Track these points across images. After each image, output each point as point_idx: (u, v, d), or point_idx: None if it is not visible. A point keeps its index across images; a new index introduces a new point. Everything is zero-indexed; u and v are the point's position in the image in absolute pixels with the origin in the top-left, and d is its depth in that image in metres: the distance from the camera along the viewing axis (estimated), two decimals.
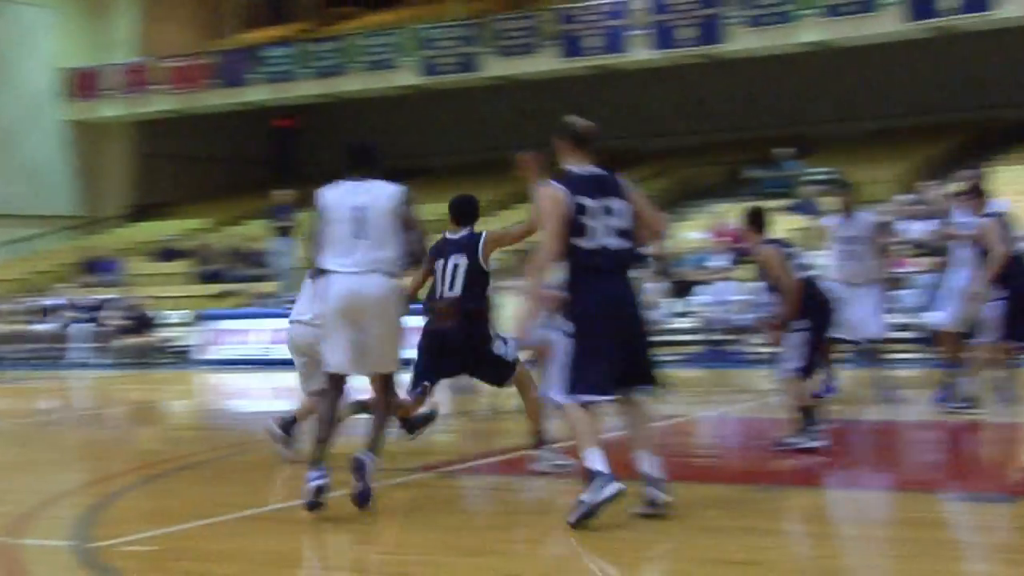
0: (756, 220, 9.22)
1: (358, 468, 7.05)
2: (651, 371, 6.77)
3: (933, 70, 28.51)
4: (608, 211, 6.60)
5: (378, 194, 7.46)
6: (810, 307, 8.95)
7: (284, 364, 20.85)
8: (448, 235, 8.55)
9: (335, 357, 7.28)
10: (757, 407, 13.25)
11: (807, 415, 8.89)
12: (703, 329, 19.29)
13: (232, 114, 33.10)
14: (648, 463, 6.63)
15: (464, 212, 8.72)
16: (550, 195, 6.69)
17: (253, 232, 29.18)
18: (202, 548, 6.40)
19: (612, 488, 6.33)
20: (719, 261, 21.10)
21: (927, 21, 23.99)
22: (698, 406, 11.47)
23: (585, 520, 6.34)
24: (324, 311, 7.32)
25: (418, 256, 7.49)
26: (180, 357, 23.92)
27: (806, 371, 8.98)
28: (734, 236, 22.01)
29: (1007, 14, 23.48)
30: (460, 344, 8.14)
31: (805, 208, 24.10)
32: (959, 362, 10.80)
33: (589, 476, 6.39)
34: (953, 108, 28.45)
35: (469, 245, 8.36)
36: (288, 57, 31.10)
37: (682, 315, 20.10)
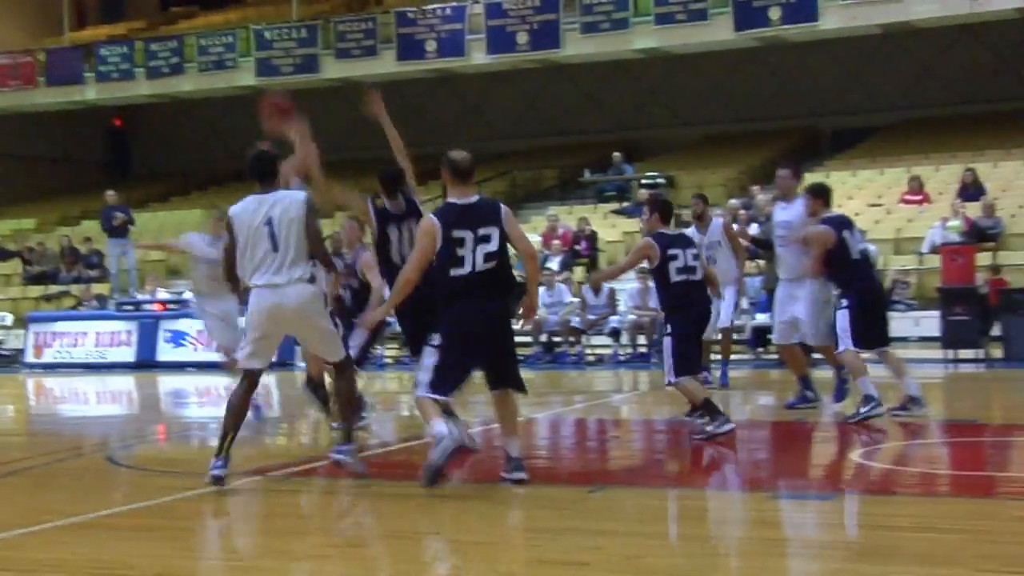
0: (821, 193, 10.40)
1: (339, 465, 7.87)
2: (514, 377, 7.59)
3: (761, 78, 29.29)
4: (483, 239, 7.28)
5: (287, 204, 7.72)
6: (686, 307, 9.39)
7: (117, 367, 20.50)
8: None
9: (256, 360, 7.78)
10: (591, 408, 13.42)
11: (706, 407, 9.21)
12: (537, 331, 19.40)
13: (66, 113, 32.15)
14: (512, 446, 7.58)
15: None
16: (425, 228, 7.46)
17: (86, 232, 28.40)
18: (26, 557, 6.19)
19: (451, 444, 7.17)
20: (554, 263, 21.28)
21: (754, 31, 24.64)
22: (532, 407, 11.54)
23: (434, 478, 7.19)
24: (252, 322, 7.73)
25: (326, 261, 7.99)
26: (8, 360, 23.13)
27: (686, 369, 9.29)
28: (566, 236, 22.26)
29: (828, 25, 24.25)
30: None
31: (638, 211, 24.52)
32: (839, 365, 10.72)
33: (436, 440, 7.18)
34: (780, 115, 29.28)
35: None
36: (123, 56, 30.32)
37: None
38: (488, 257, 7.32)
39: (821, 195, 10.41)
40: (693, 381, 9.33)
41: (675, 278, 9.34)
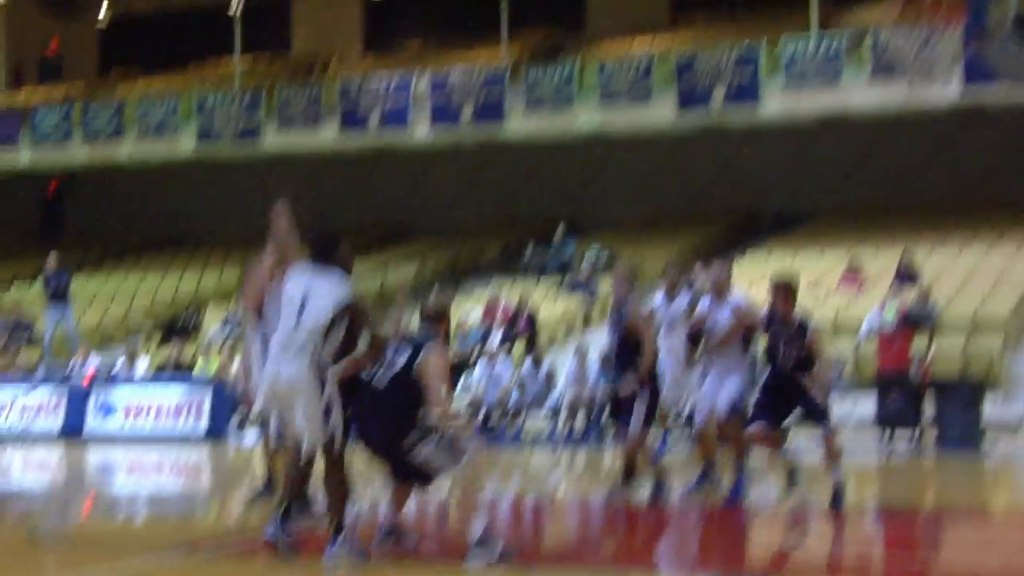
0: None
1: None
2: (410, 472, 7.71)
3: (704, 160, 29.81)
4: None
5: (321, 282, 7.80)
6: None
7: (43, 437, 20.18)
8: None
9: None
10: (527, 486, 13.46)
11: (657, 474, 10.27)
12: (475, 408, 19.45)
13: (1, 176, 31.99)
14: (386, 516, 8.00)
15: None
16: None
17: (20, 297, 28.13)
18: None
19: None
20: (495, 339, 21.40)
21: (697, 114, 25.14)
22: None
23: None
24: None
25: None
26: None
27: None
28: (507, 311, 22.41)
29: (770, 110, 24.82)
30: None
31: (580, 287, 24.79)
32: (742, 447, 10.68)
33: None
34: (722, 196, 29.76)
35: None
36: (60, 120, 30.28)
37: (456, 394, 20.24)
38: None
39: (790, 295, 10.43)
40: None
41: None
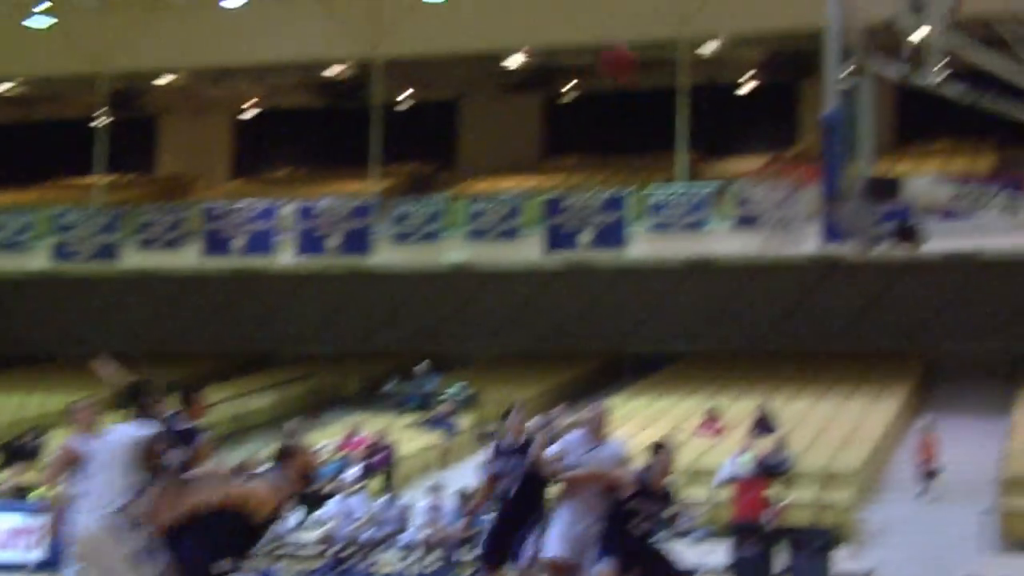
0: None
1: None
2: None
3: (569, 300, 30.24)
4: None
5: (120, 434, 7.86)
6: None
7: None
8: None
9: None
10: None
11: None
12: (328, 542, 19.12)
13: None
14: None
15: None
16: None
17: None
18: None
19: None
20: (351, 473, 21.19)
21: (563, 253, 25.59)
22: None
23: None
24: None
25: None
26: None
27: None
28: (365, 445, 22.20)
29: (635, 254, 25.38)
30: None
31: (440, 423, 24.73)
32: None
33: None
34: (586, 337, 30.15)
35: None
36: None
37: (309, 528, 19.91)
38: None
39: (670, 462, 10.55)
40: None
41: None
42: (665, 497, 10.17)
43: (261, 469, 8.22)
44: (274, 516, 7.60)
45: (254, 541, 7.56)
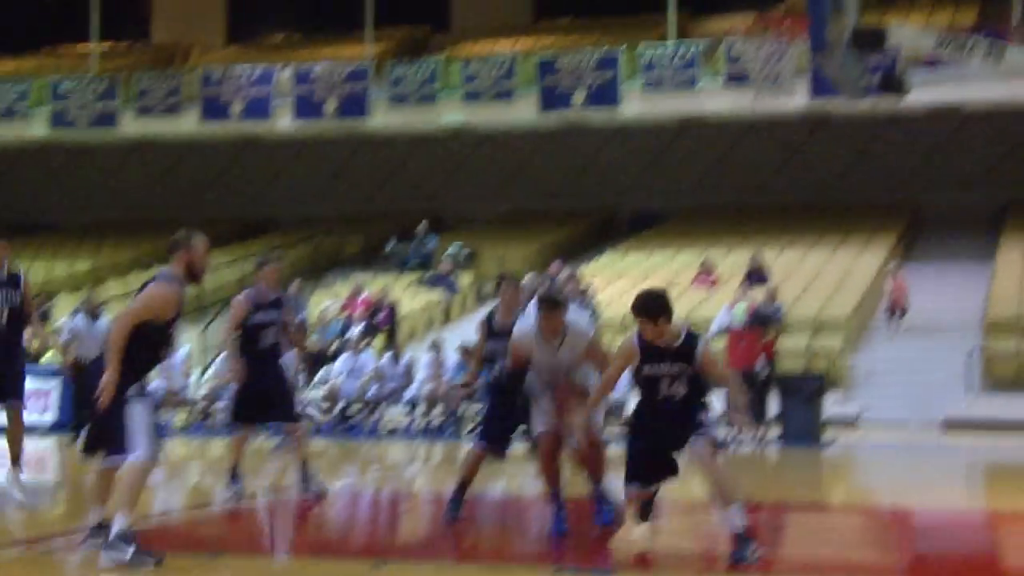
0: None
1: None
2: None
3: (564, 159, 30.25)
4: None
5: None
6: None
7: None
8: None
9: None
10: (384, 479, 13.59)
11: None
12: (334, 399, 19.45)
13: None
14: None
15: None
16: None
17: None
18: None
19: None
20: (355, 331, 21.45)
21: (558, 112, 25.53)
22: (326, 478, 11.65)
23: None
24: None
25: None
26: None
27: None
28: (367, 305, 22.47)
29: (629, 112, 25.33)
30: None
31: (441, 282, 24.96)
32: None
33: None
34: (581, 196, 30.24)
35: None
36: None
37: (316, 385, 20.24)
38: None
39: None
40: None
41: None
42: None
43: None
44: (174, 314, 7.48)
45: (162, 346, 7.53)
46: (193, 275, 7.58)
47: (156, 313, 7.36)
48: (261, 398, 10.27)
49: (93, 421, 7.51)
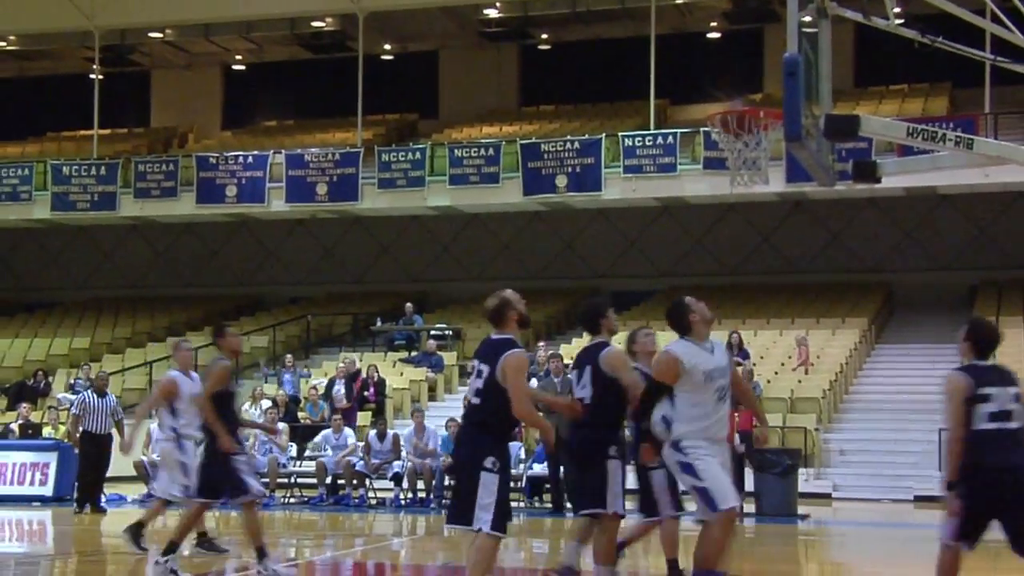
0: None
1: None
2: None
3: (548, 239, 30.31)
4: (477, 374, 7.49)
5: None
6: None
7: None
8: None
9: None
10: (370, 551, 13.42)
11: None
12: (322, 474, 19.27)
13: None
14: None
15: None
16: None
17: None
18: None
19: None
20: (340, 392, 21.51)
21: (542, 196, 25.62)
22: (313, 550, 11.49)
23: None
24: None
25: None
26: None
27: None
28: (354, 378, 22.32)
29: (610, 195, 25.43)
30: None
31: (426, 360, 24.88)
32: None
33: None
34: (564, 275, 30.26)
35: None
36: None
37: (303, 459, 20.08)
38: (476, 393, 7.35)
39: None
40: None
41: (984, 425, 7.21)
42: None
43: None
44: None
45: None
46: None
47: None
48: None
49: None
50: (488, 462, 7.09)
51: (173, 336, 28.26)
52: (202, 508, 10.14)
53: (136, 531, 11.15)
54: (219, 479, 9.73)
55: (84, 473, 17.50)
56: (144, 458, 18.75)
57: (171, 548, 9.66)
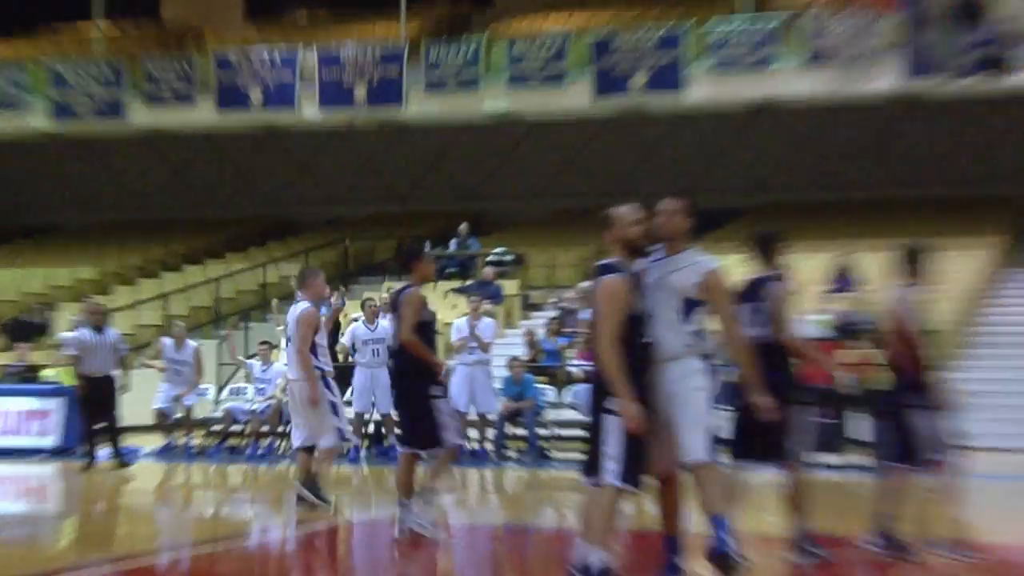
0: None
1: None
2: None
3: (620, 151, 30.16)
4: None
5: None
6: None
7: None
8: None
9: None
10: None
11: None
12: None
13: None
14: None
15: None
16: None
17: None
18: None
19: None
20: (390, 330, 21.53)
21: (615, 99, 25.49)
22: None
23: None
24: None
25: None
26: None
27: None
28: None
29: (693, 98, 25.26)
30: None
31: (483, 290, 24.93)
32: None
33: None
34: (639, 191, 30.02)
35: None
36: None
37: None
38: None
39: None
40: None
41: None
42: None
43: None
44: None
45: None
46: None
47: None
48: None
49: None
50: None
51: (190, 264, 28.62)
52: (449, 456, 10.21)
53: (312, 484, 11.35)
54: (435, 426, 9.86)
55: (84, 424, 17.21)
56: (268, 404, 18.72)
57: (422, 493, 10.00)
